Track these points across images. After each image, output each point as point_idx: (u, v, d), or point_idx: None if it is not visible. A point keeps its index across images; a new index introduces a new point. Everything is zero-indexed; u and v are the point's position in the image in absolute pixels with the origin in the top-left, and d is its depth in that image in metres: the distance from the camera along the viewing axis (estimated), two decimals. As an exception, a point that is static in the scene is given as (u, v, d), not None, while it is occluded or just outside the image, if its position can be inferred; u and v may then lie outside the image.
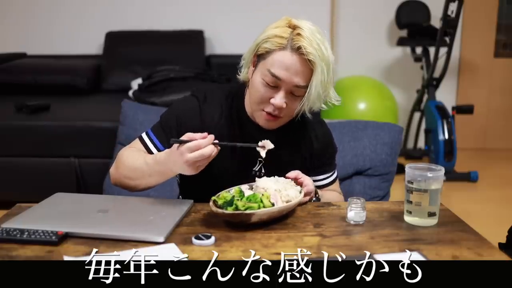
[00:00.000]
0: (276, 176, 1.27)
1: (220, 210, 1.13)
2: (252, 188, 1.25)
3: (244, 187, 1.26)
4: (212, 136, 1.17)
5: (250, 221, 1.13)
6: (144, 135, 1.39)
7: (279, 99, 1.25)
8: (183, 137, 1.18)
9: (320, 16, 4.17)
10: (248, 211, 1.12)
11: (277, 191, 1.20)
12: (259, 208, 1.13)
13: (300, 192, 1.24)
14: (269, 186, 1.21)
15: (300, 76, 1.23)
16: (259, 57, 1.27)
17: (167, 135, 1.35)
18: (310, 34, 1.22)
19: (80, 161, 2.88)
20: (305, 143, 1.42)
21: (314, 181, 1.46)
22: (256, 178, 1.27)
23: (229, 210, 1.13)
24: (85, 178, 2.88)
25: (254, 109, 1.32)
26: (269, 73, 1.23)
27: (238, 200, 1.16)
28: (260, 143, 1.26)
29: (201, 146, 1.15)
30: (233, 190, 1.24)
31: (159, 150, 1.35)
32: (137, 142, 1.39)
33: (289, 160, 1.39)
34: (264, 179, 1.25)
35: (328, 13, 4.19)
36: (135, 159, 1.31)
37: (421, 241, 1.11)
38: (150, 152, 1.36)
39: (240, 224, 1.15)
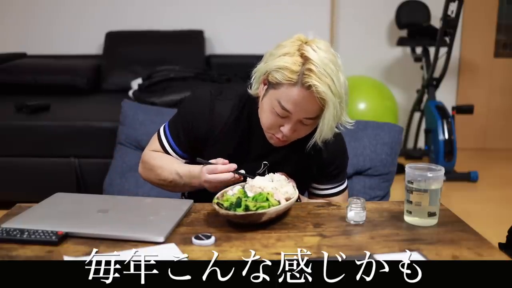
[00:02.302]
0: (266, 175, 1.27)
1: (231, 212, 1.13)
2: (244, 187, 1.25)
3: (236, 188, 1.25)
4: (232, 165, 1.24)
5: (260, 220, 1.14)
6: (162, 133, 1.44)
7: (287, 129, 1.25)
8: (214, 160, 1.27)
9: (320, 16, 4.18)
10: (260, 211, 1.12)
11: (275, 189, 1.21)
12: (269, 207, 1.14)
13: (295, 189, 1.25)
14: (266, 185, 1.21)
15: (310, 111, 1.22)
16: (270, 84, 1.25)
17: (180, 137, 1.41)
18: (322, 68, 1.17)
19: (80, 161, 2.88)
20: (314, 151, 1.36)
21: (317, 189, 1.46)
22: (248, 179, 1.27)
23: (240, 211, 1.13)
24: (85, 178, 2.88)
25: (264, 131, 1.32)
26: (279, 105, 1.22)
27: (245, 200, 1.16)
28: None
29: (217, 170, 1.24)
30: (236, 190, 1.23)
31: (174, 150, 1.42)
32: (156, 141, 1.45)
33: (294, 165, 1.37)
34: (257, 178, 1.25)
35: (328, 13, 4.19)
36: (166, 171, 1.38)
37: (421, 241, 1.11)
38: (167, 152, 1.42)
39: (248, 225, 1.15)
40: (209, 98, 1.38)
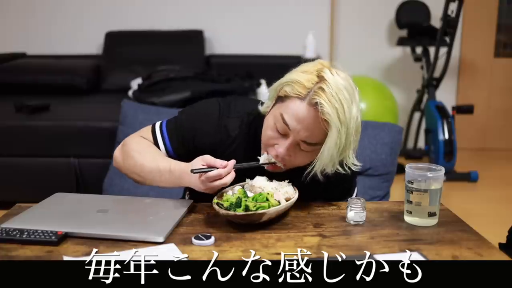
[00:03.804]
0: (265, 176, 1.26)
1: (231, 212, 1.13)
2: (244, 187, 1.25)
3: (236, 188, 1.25)
4: (232, 163, 1.19)
5: (260, 220, 1.14)
6: (157, 128, 1.36)
7: (282, 148, 1.18)
8: (201, 158, 1.19)
9: (320, 16, 4.17)
10: (260, 211, 1.12)
11: (275, 189, 1.21)
12: (269, 207, 1.14)
13: (295, 189, 1.24)
14: (266, 185, 1.21)
15: (311, 132, 1.15)
16: (278, 98, 1.20)
17: (178, 141, 1.34)
18: (335, 91, 1.11)
19: (80, 161, 2.88)
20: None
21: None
22: (247, 179, 1.26)
23: (240, 211, 1.13)
24: (85, 178, 2.88)
25: (262, 149, 1.26)
26: (281, 119, 1.16)
27: (245, 200, 1.16)
28: (265, 160, 1.24)
29: (222, 175, 1.17)
30: (236, 190, 1.23)
31: (166, 149, 1.35)
32: (148, 131, 1.37)
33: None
34: (257, 178, 1.24)
35: (328, 13, 4.19)
36: (147, 159, 1.29)
37: (421, 241, 1.11)
38: (156, 145, 1.35)
39: (248, 225, 1.15)
40: (217, 115, 1.33)
